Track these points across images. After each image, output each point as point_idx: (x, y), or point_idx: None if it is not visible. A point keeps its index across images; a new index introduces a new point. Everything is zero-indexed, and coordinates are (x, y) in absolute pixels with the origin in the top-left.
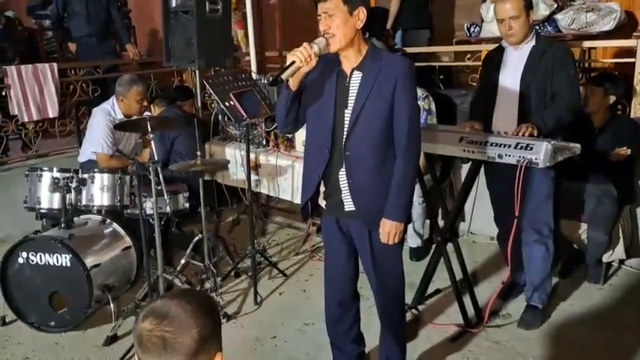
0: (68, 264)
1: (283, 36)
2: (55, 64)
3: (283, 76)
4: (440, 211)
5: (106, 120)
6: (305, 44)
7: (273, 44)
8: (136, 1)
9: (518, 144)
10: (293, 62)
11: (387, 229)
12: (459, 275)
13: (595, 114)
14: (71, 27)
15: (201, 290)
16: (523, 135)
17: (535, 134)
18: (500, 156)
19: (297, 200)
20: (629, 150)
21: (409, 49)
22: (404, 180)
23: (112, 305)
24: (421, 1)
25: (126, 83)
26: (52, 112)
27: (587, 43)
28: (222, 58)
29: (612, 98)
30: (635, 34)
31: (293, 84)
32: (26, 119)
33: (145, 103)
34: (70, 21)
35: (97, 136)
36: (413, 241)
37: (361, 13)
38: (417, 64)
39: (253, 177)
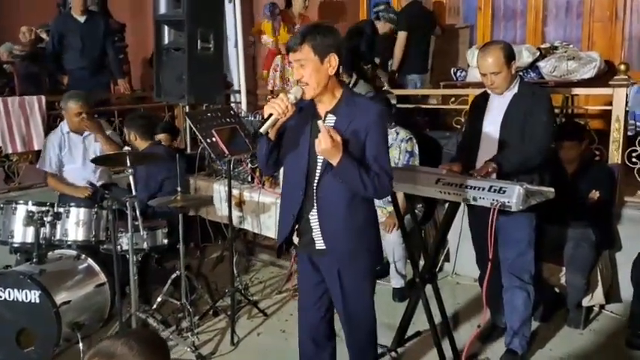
0: (37, 300)
1: None
2: (42, 97)
3: (262, 130)
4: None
5: (52, 135)
6: (281, 95)
7: None
8: (134, 38)
9: (491, 187)
10: (270, 115)
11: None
12: (438, 317)
13: (568, 164)
14: (65, 60)
15: (150, 329)
16: (483, 174)
17: (490, 170)
18: (474, 198)
19: None
20: (597, 193)
21: (398, 92)
22: (365, 177)
23: (80, 344)
24: (426, 48)
25: (64, 99)
26: (38, 144)
27: (571, 90)
28: (213, 94)
29: (584, 144)
30: (611, 82)
31: (272, 135)
32: (10, 151)
33: (84, 116)
34: (64, 54)
35: (43, 153)
36: (396, 281)
37: (332, 60)
38: (403, 105)
39: (238, 213)
